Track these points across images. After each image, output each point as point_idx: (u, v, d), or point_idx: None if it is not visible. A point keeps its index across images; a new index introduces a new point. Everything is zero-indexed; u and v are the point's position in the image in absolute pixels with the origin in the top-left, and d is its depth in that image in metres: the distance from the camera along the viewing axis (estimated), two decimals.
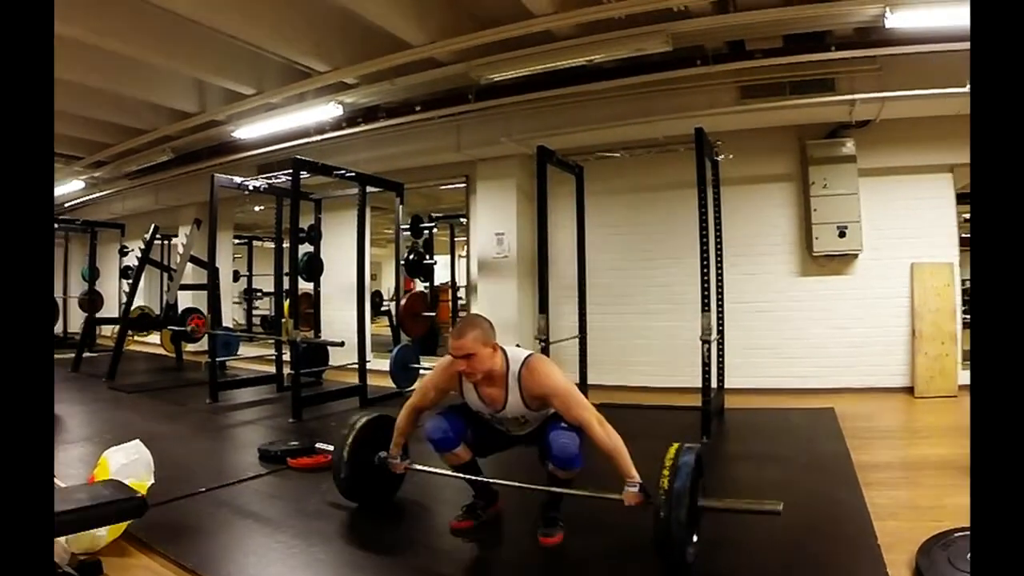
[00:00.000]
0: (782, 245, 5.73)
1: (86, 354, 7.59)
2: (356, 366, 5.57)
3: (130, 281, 7.36)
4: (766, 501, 2.22)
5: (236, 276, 9.03)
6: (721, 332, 4.75)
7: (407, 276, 7.02)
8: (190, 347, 8.26)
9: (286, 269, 6.32)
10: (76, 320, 9.88)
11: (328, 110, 5.67)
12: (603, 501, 2.32)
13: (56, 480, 3.01)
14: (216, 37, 4.67)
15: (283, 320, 5.70)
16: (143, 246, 7.14)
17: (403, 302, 6.05)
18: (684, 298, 5.24)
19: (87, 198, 10.01)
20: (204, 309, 7.02)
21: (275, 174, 6.55)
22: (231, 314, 8.83)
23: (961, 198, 5.31)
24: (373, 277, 9.61)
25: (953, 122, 4.86)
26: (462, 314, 8.23)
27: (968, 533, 1.98)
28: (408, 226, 6.77)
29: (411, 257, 6.86)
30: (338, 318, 6.77)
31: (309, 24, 4.74)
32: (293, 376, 4.92)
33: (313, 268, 6.51)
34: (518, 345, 2.85)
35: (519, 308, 6.34)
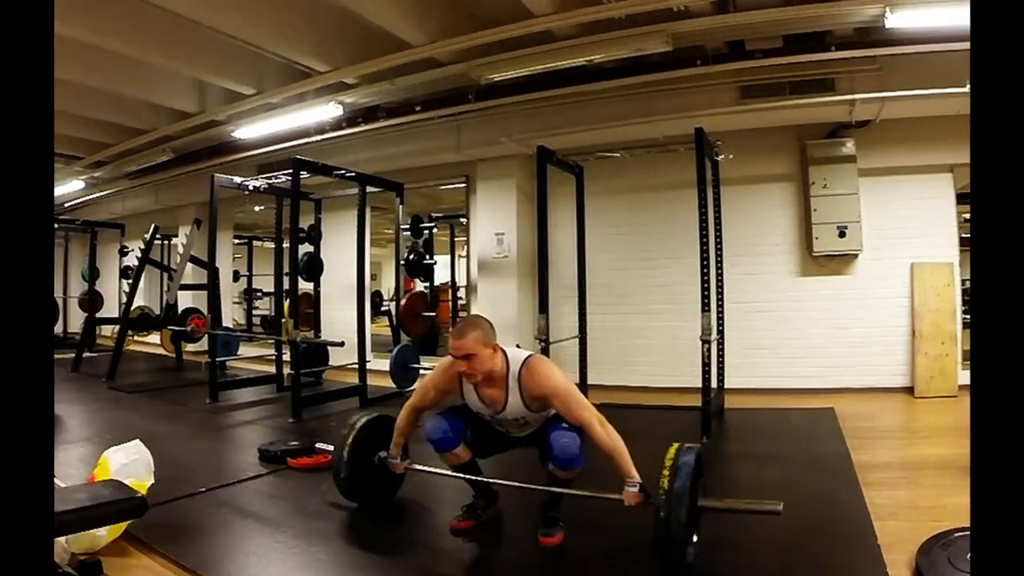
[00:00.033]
0: (782, 245, 5.74)
1: (86, 354, 7.59)
2: (356, 366, 5.57)
3: (130, 281, 7.36)
4: (766, 501, 2.22)
5: (236, 276, 9.03)
6: (721, 332, 4.75)
7: (407, 276, 7.02)
8: (190, 347, 8.26)
9: (286, 269, 6.32)
10: (76, 320, 9.88)
11: (328, 110, 5.67)
12: (603, 501, 2.32)
13: (56, 480, 3.01)
14: (216, 37, 4.67)
15: (283, 320, 5.70)
16: (143, 246, 7.14)
17: (403, 302, 6.05)
18: (684, 298, 5.24)
19: (87, 198, 10.01)
20: (204, 309, 7.02)
21: (275, 174, 6.55)
22: (231, 314, 8.83)
23: (961, 198, 5.31)
24: (373, 277, 9.61)
25: (953, 122, 4.86)
26: (462, 314, 8.23)
27: (968, 533, 1.98)
28: (408, 226, 6.77)
29: (411, 257, 6.86)
30: (338, 318, 6.77)
31: (309, 24, 4.74)
32: (293, 376, 4.92)
33: (313, 268, 6.51)
34: (518, 346, 2.85)
35: (519, 308, 6.34)
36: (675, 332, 5.56)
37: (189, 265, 6.83)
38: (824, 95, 4.87)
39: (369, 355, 5.68)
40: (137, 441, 2.76)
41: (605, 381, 5.56)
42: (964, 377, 5.07)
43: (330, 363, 6.58)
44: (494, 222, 6.51)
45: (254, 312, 9.79)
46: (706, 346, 4.06)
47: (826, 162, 5.46)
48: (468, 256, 7.22)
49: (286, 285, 6.25)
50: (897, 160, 5.40)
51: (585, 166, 5.30)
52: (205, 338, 6.51)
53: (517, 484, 2.57)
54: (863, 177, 5.41)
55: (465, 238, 7.48)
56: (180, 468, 3.40)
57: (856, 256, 5.50)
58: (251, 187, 6.03)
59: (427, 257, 7.05)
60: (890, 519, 2.57)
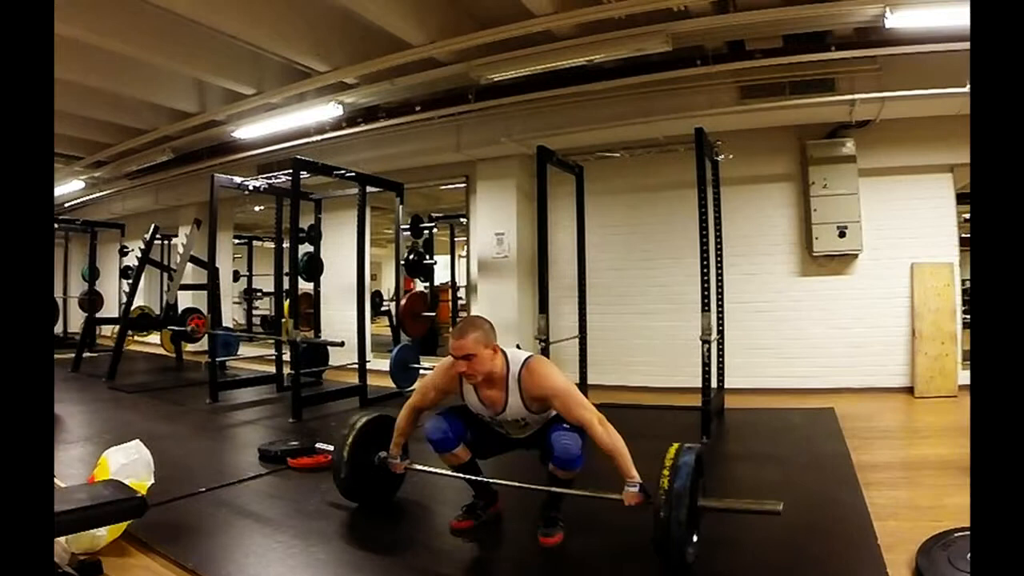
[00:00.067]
0: (782, 245, 5.74)
1: (86, 354, 7.58)
2: (356, 366, 5.56)
3: (130, 281, 7.36)
4: (766, 501, 2.22)
5: (236, 276, 9.03)
6: (721, 332, 4.75)
7: (407, 276, 7.02)
8: (190, 347, 8.27)
9: (286, 269, 6.32)
10: (76, 320, 9.88)
11: (328, 110, 5.67)
12: (603, 501, 2.32)
13: (56, 480, 3.01)
14: (216, 37, 4.67)
15: (283, 320, 5.70)
16: (143, 246, 7.14)
17: (403, 302, 6.05)
18: (684, 298, 5.24)
19: (87, 198, 10.01)
20: (204, 309, 7.02)
21: (275, 174, 6.55)
22: (231, 314, 8.84)
23: (961, 198, 5.31)
24: (373, 277, 9.62)
25: (953, 122, 4.87)
26: (462, 314, 8.23)
27: (968, 533, 1.98)
28: (408, 226, 6.77)
29: (411, 257, 6.86)
30: (338, 318, 6.77)
31: (309, 24, 4.74)
32: (293, 376, 4.92)
33: (313, 268, 6.51)
34: (518, 346, 2.85)
35: (519, 308, 6.34)
36: (675, 332, 5.56)
37: (189, 265, 6.83)
38: (824, 95, 4.87)
39: (369, 355, 5.68)
40: (137, 441, 2.76)
41: (605, 381, 5.57)
42: (964, 377, 5.07)
43: (330, 363, 6.58)
44: (494, 222, 6.51)
45: (254, 312, 9.80)
46: (706, 346, 4.06)
47: (826, 162, 5.46)
48: (468, 256, 7.22)
49: (286, 285, 6.25)
50: (897, 160, 5.40)
51: (585, 166, 5.30)
52: (205, 338, 6.51)
53: (517, 484, 2.56)
54: (863, 177, 5.41)
55: (465, 238, 7.48)
56: (180, 468, 3.40)
57: (856, 256, 5.50)
58: (251, 187, 6.03)
59: (427, 257, 7.05)
60: (890, 519, 2.57)
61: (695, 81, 5.04)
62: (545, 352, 4.23)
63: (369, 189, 5.85)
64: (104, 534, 2.33)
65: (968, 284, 4.98)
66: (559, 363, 2.64)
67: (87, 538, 2.28)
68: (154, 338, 9.06)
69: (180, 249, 7.55)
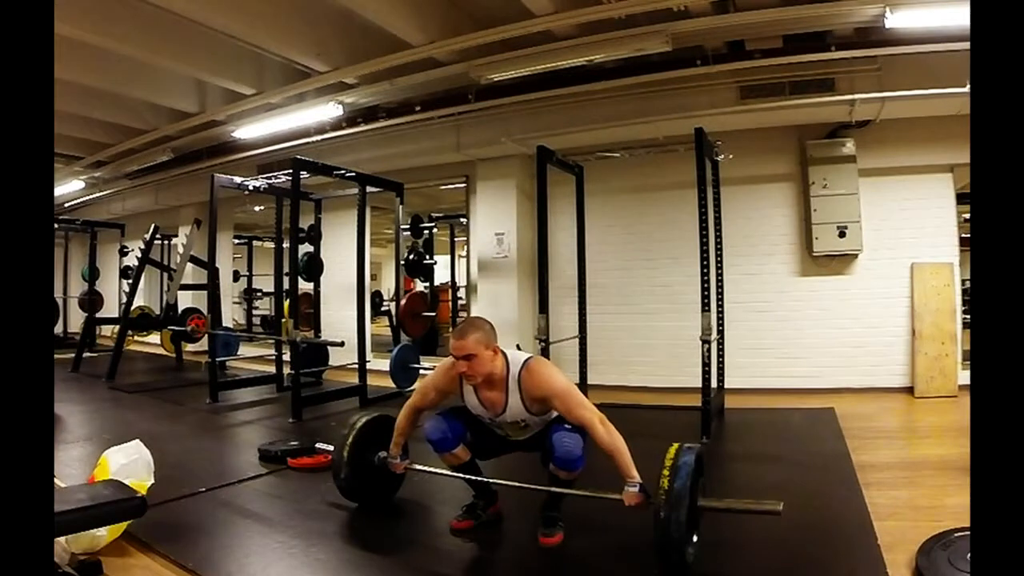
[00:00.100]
0: (782, 245, 5.73)
1: (86, 354, 7.59)
2: (356, 366, 5.57)
3: (130, 281, 7.36)
4: (766, 501, 2.22)
5: (236, 276, 9.04)
6: (721, 332, 4.75)
7: (407, 276, 7.01)
8: (190, 347, 8.27)
9: (286, 269, 6.32)
10: (76, 320, 9.88)
11: (328, 110, 5.67)
12: (603, 501, 2.32)
13: (56, 480, 3.01)
14: (216, 37, 4.67)
15: (283, 320, 5.70)
16: (143, 246, 7.14)
17: (403, 302, 6.05)
18: (684, 298, 5.25)
19: (87, 198, 10.01)
20: (204, 309, 7.02)
21: (275, 174, 6.56)
22: (231, 314, 8.84)
23: (961, 198, 5.31)
24: (373, 277, 9.61)
25: (953, 122, 4.87)
26: (462, 314, 8.24)
27: (968, 533, 1.98)
28: (408, 226, 6.77)
29: (411, 257, 6.86)
30: (338, 318, 6.77)
31: (309, 24, 4.74)
32: (293, 376, 4.92)
33: (313, 268, 6.51)
34: (518, 347, 2.85)
35: (519, 308, 6.34)
36: (675, 332, 5.56)
37: (189, 265, 6.83)
38: (824, 95, 4.87)
39: (369, 355, 5.68)
40: (137, 441, 2.76)
41: (605, 381, 5.57)
42: (964, 377, 5.07)
43: (330, 363, 6.58)
44: (494, 222, 6.51)
45: (254, 312, 9.80)
46: (706, 346, 4.06)
47: (826, 162, 5.46)
48: (468, 256, 7.22)
49: (286, 285, 6.25)
50: (897, 160, 5.40)
51: (585, 166, 5.30)
52: (205, 338, 6.51)
53: (517, 484, 2.57)
54: (863, 177, 5.41)
55: (465, 238, 7.48)
56: (180, 468, 3.41)
57: (856, 256, 5.50)
58: (251, 187, 6.03)
59: (427, 257, 7.05)
60: (890, 519, 2.57)
61: (695, 81, 5.04)
62: (545, 352, 4.24)
63: (369, 189, 5.85)
64: (104, 534, 2.33)
65: (968, 284, 4.98)
66: (559, 363, 2.64)
67: (87, 538, 2.28)
68: (154, 338, 9.06)
69: (180, 249, 7.56)
